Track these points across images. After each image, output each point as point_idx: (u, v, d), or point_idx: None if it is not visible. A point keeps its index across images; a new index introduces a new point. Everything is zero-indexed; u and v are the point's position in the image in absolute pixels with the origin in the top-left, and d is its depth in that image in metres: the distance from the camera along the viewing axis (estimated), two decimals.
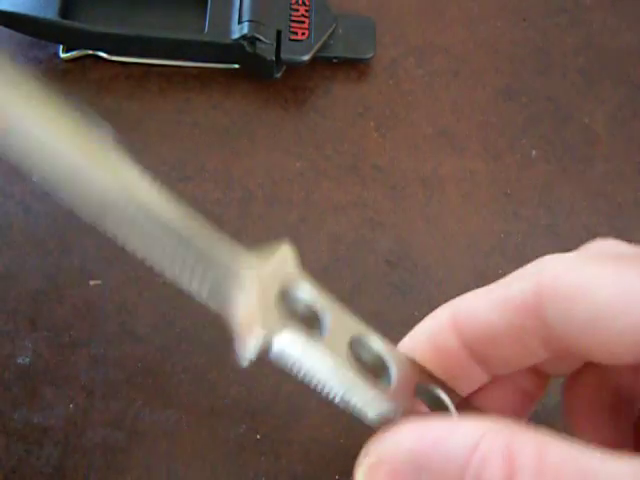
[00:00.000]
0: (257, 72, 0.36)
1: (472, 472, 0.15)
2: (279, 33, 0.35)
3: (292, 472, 0.29)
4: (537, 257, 0.34)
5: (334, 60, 0.37)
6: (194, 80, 0.37)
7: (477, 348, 0.20)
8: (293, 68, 0.36)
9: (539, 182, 0.35)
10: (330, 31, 0.36)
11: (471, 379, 0.21)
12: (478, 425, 0.16)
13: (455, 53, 0.38)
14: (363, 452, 0.18)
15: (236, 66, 0.36)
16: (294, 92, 0.36)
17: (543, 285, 0.18)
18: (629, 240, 0.35)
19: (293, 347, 0.17)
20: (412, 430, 0.17)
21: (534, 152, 0.35)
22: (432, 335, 0.21)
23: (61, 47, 0.36)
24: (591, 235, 0.34)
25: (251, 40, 0.34)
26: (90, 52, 0.36)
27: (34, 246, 0.32)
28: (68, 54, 0.36)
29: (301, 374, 0.17)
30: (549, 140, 0.36)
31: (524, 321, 0.19)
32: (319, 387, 0.18)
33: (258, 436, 0.29)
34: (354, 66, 0.37)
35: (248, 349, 0.16)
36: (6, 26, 0.35)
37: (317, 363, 0.17)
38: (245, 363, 0.16)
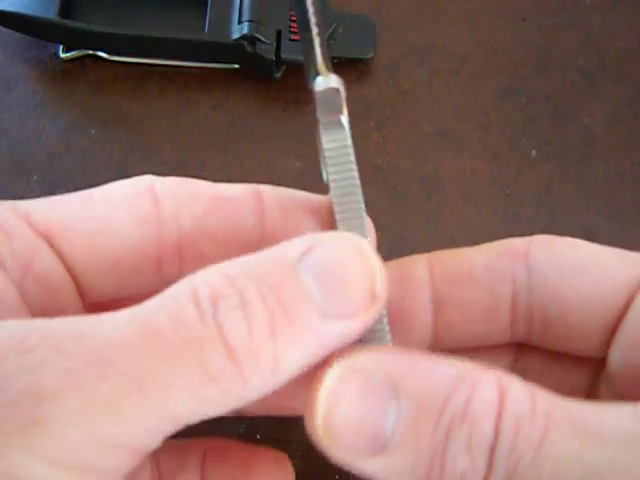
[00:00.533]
0: (257, 72, 0.36)
1: (460, 398, 0.14)
2: (279, 33, 0.35)
3: None
4: None
5: (334, 60, 0.37)
6: (194, 80, 0.37)
7: (443, 287, 0.19)
8: (293, 68, 0.36)
9: (539, 182, 0.35)
10: (330, 30, 0.36)
11: (415, 327, 0.20)
12: (463, 362, 0.15)
13: (455, 53, 0.38)
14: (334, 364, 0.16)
15: (236, 66, 0.36)
16: (294, 92, 0.36)
17: (537, 238, 0.20)
18: (629, 240, 0.35)
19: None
20: (392, 351, 0.16)
21: (534, 152, 0.35)
22: (403, 262, 0.20)
23: (61, 47, 0.36)
24: (591, 235, 0.34)
25: (251, 40, 0.34)
26: (90, 52, 0.36)
27: None
28: (68, 54, 0.36)
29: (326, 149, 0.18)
30: (549, 140, 0.36)
31: (506, 263, 0.19)
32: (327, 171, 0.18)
33: (258, 436, 0.29)
34: (354, 66, 0.37)
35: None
36: (6, 26, 0.35)
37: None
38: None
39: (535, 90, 0.37)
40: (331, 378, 0.15)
